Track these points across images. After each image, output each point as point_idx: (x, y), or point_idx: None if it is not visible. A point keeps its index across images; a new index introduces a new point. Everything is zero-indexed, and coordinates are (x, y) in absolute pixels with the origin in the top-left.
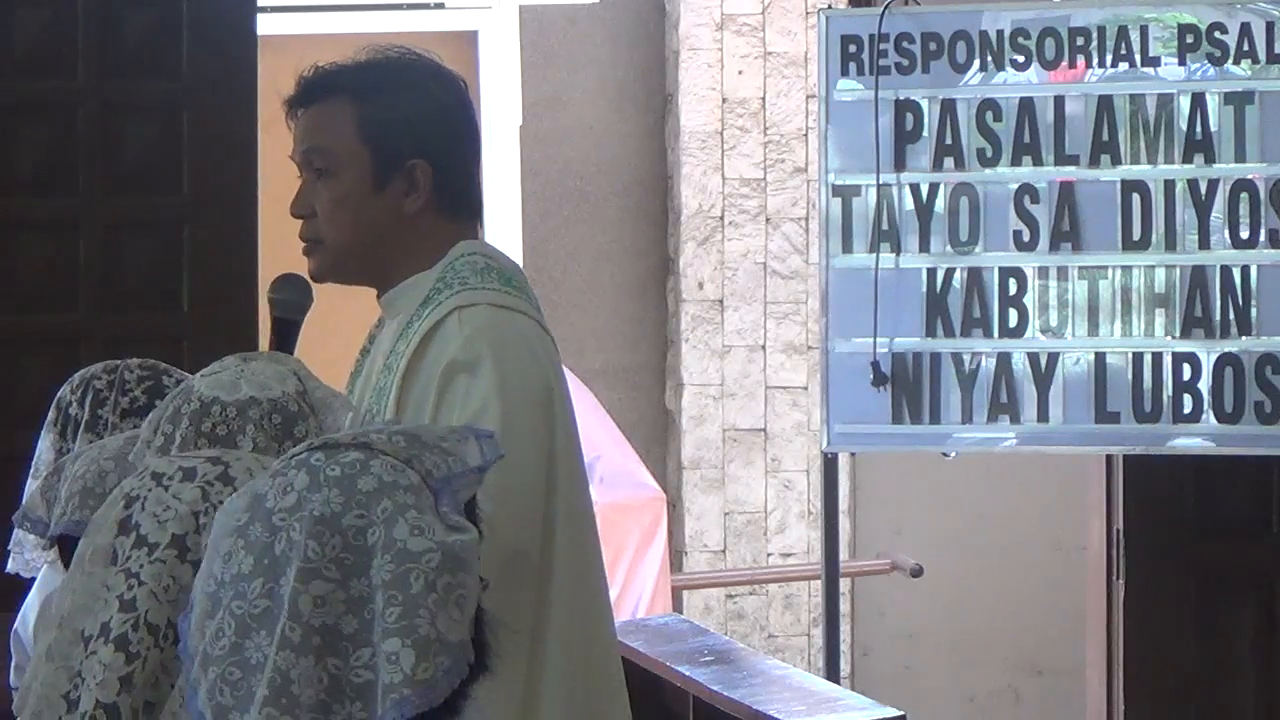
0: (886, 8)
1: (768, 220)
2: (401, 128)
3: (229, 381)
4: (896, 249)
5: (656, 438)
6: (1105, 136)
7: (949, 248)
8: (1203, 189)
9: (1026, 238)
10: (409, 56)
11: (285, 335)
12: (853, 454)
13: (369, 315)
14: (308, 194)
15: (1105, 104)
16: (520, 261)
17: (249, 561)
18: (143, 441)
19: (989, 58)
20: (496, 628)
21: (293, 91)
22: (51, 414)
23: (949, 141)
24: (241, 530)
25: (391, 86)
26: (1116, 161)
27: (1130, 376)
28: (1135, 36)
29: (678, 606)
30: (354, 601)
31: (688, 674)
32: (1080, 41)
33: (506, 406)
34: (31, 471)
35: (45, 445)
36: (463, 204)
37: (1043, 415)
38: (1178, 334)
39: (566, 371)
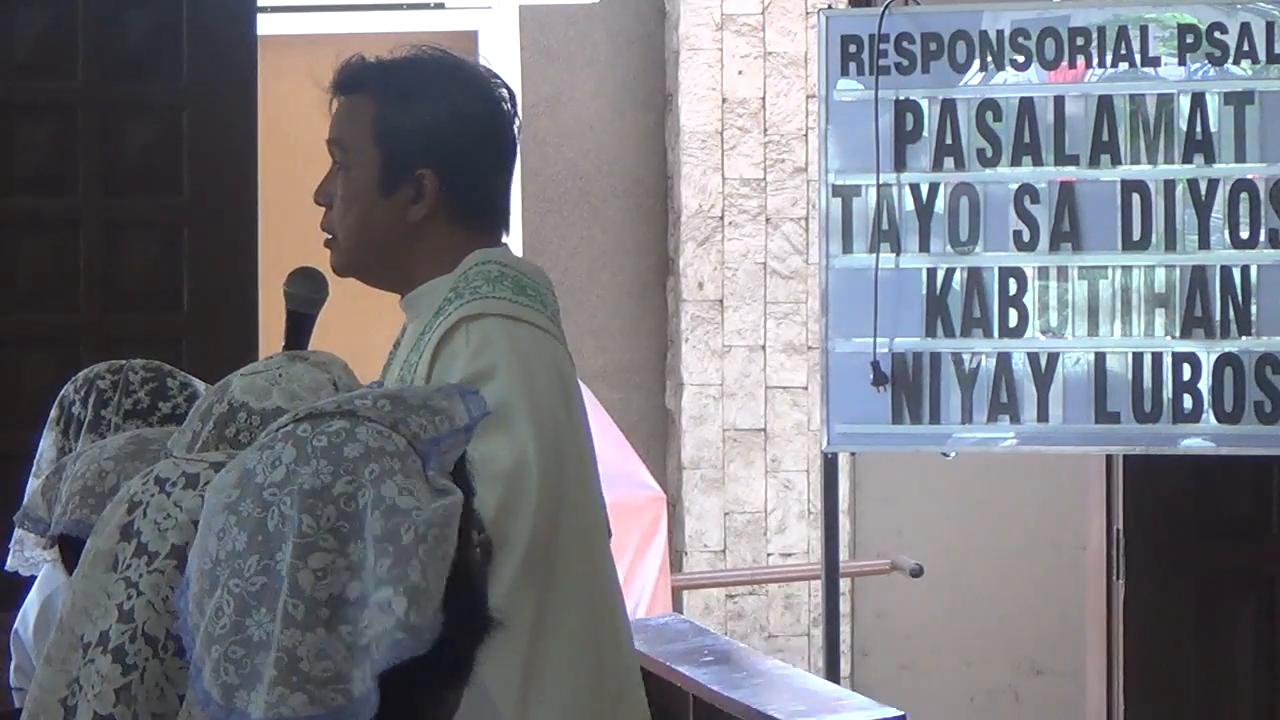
0: (886, 8)
1: (768, 220)
2: (413, 135)
3: (262, 387)
4: (896, 249)
5: (656, 437)
6: (1105, 136)
7: (949, 248)
8: (1203, 189)
9: (1026, 238)
10: (441, 61)
11: (297, 329)
12: (853, 454)
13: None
14: (330, 184)
15: (1105, 104)
16: None
17: (242, 538)
18: (179, 432)
19: (989, 58)
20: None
21: (332, 78)
22: (54, 413)
23: (949, 141)
24: (232, 506)
25: (413, 92)
26: (1116, 161)
27: (1130, 377)
28: (1135, 36)
29: (677, 606)
30: (354, 566)
31: (688, 674)
32: (1080, 41)
33: (534, 402)
34: (33, 470)
35: (47, 444)
36: (478, 213)
37: (1043, 415)
38: (1178, 334)
39: None
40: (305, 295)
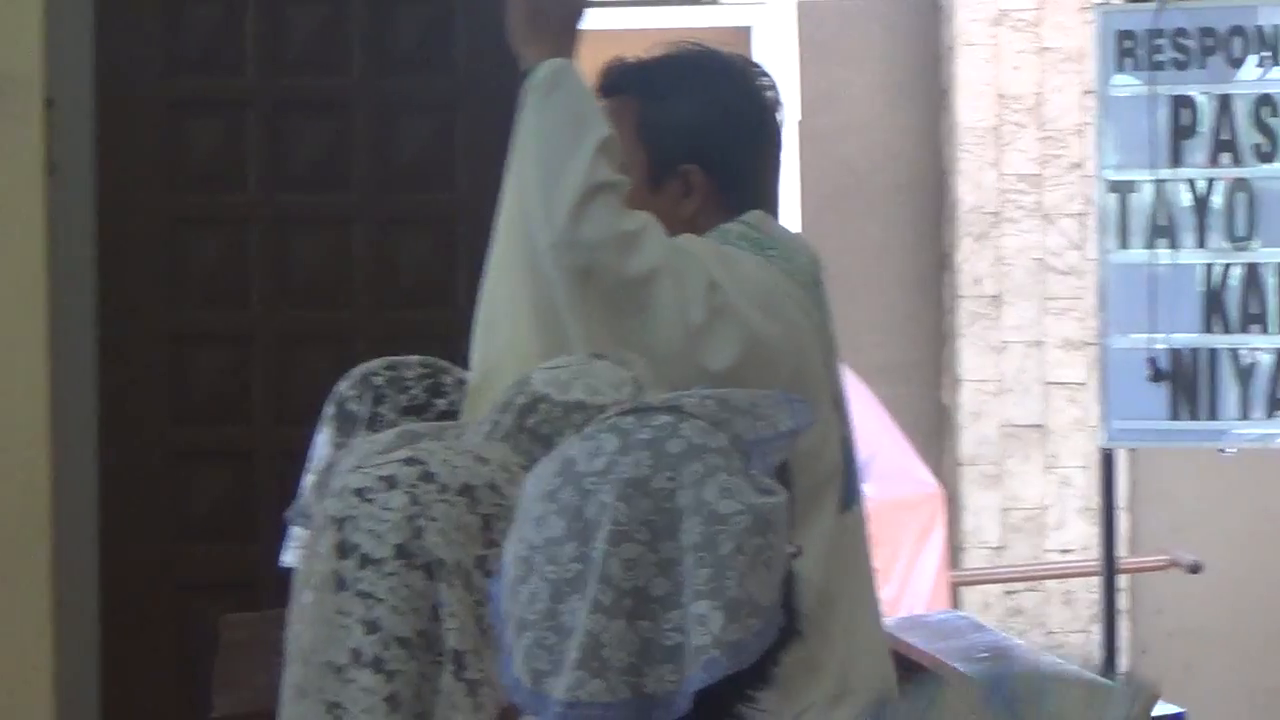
0: (1163, 3)
1: (1044, 216)
2: (676, 133)
3: (564, 380)
4: (1173, 245)
5: (933, 434)
6: None
7: (1226, 243)
8: None
9: None
10: (699, 56)
11: None
12: (1131, 450)
13: None
14: None
15: None
16: None
17: (560, 525)
18: (478, 423)
19: (1266, 53)
20: (806, 594)
21: (595, 82)
22: (329, 410)
23: (1225, 137)
24: (552, 495)
25: (673, 89)
26: None
27: None
28: None
29: (956, 602)
30: (664, 564)
31: (965, 670)
32: None
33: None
34: (309, 467)
35: (323, 441)
36: (748, 203)
37: None
38: None
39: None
40: None
